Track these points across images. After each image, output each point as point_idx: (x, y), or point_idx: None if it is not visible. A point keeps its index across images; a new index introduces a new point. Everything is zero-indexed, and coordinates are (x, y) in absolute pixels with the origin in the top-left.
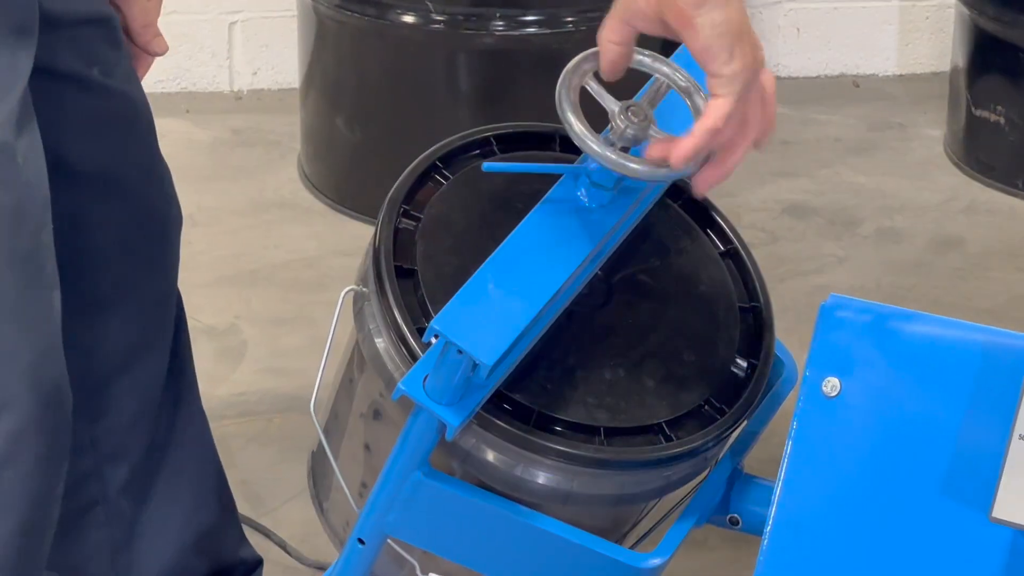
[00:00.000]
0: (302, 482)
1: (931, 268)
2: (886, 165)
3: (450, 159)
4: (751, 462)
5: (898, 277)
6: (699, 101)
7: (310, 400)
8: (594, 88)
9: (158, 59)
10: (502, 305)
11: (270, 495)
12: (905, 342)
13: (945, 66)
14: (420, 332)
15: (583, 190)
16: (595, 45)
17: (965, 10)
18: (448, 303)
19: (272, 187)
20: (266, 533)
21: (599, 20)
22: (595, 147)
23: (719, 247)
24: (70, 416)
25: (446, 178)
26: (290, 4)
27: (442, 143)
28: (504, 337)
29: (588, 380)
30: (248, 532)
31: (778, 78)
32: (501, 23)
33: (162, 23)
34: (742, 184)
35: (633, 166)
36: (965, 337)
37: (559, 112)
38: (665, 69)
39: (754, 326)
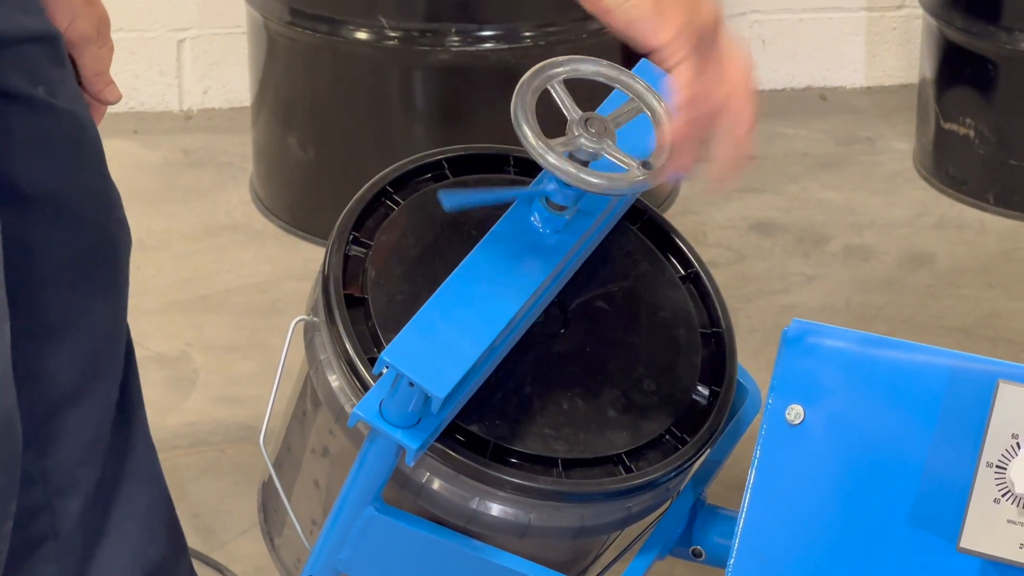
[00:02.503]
0: (255, 515)
1: (902, 286)
2: (855, 180)
3: (401, 183)
4: (716, 488)
5: (868, 296)
6: (656, 107)
7: (262, 430)
8: (559, 92)
9: None
10: (454, 336)
11: (222, 528)
12: (870, 368)
13: (914, 78)
14: (372, 363)
15: (536, 214)
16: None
17: (933, 21)
18: (399, 334)
19: (224, 209)
20: (219, 568)
21: (557, 35)
22: (551, 159)
23: (679, 271)
24: (19, 449)
25: (396, 203)
26: (240, 20)
27: (392, 168)
28: (456, 369)
29: (545, 410)
30: (199, 567)
31: None
32: (457, 39)
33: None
34: (707, 201)
35: (592, 179)
36: (931, 362)
37: (514, 123)
38: (624, 79)
39: (716, 352)
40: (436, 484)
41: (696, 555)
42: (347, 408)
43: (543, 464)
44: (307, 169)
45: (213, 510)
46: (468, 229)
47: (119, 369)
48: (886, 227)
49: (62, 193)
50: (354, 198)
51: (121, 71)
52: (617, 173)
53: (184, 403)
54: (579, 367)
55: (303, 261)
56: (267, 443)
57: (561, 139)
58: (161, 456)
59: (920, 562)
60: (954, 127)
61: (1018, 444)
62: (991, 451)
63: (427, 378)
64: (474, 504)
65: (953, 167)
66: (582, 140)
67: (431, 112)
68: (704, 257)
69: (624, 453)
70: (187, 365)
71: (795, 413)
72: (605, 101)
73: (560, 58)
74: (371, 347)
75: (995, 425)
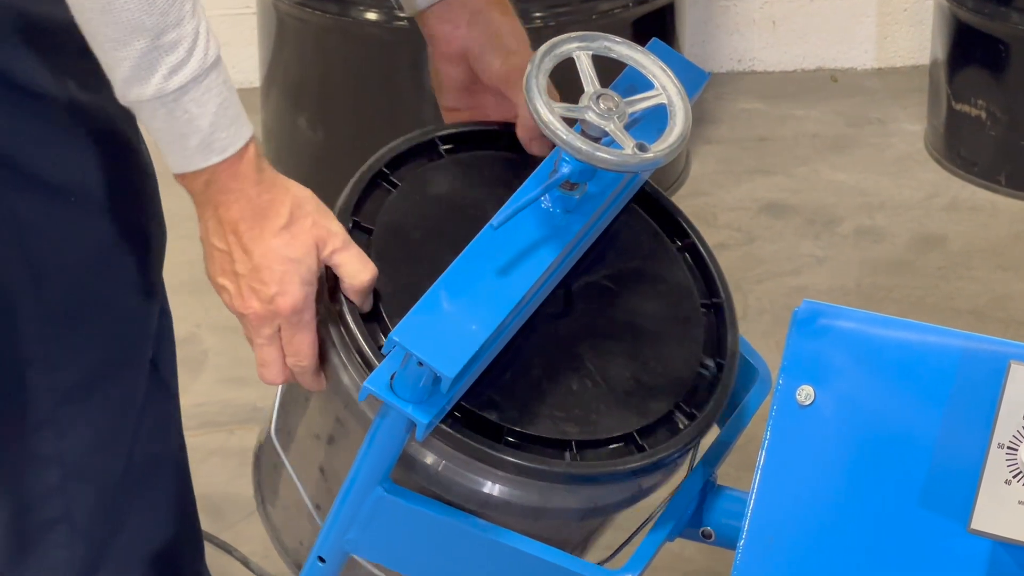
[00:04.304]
0: None
1: (912, 268)
2: (865, 162)
3: (396, 164)
4: (726, 469)
5: (878, 277)
6: (676, 105)
7: (271, 412)
8: (583, 65)
9: None
10: (464, 315)
11: (231, 509)
12: (880, 349)
13: (925, 59)
14: (380, 349)
15: (546, 195)
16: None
17: (944, 2)
18: (408, 313)
19: None
20: (227, 549)
21: (567, 15)
22: (563, 135)
23: (676, 243)
24: None
25: (394, 184)
26: (249, 1)
27: (386, 148)
28: (466, 349)
29: (555, 392)
30: (208, 548)
31: (753, 73)
32: None
33: None
34: (717, 183)
35: (602, 155)
36: (942, 343)
37: (527, 98)
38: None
39: (717, 323)
40: (448, 470)
41: (706, 536)
42: (354, 394)
43: (555, 447)
44: (317, 149)
45: (221, 491)
46: (468, 209)
47: (145, 359)
48: (897, 209)
49: (89, 186)
50: (351, 182)
51: None
52: (617, 150)
53: (193, 384)
54: (584, 347)
55: None
56: (264, 422)
57: (568, 105)
58: None
59: (931, 543)
60: (965, 108)
61: None
62: (1002, 432)
63: (436, 358)
64: (487, 489)
65: (964, 148)
66: (590, 114)
67: None
68: (714, 239)
69: (635, 432)
70: (196, 346)
71: (805, 394)
72: (616, 80)
73: (586, 34)
74: (379, 335)
75: (1006, 406)
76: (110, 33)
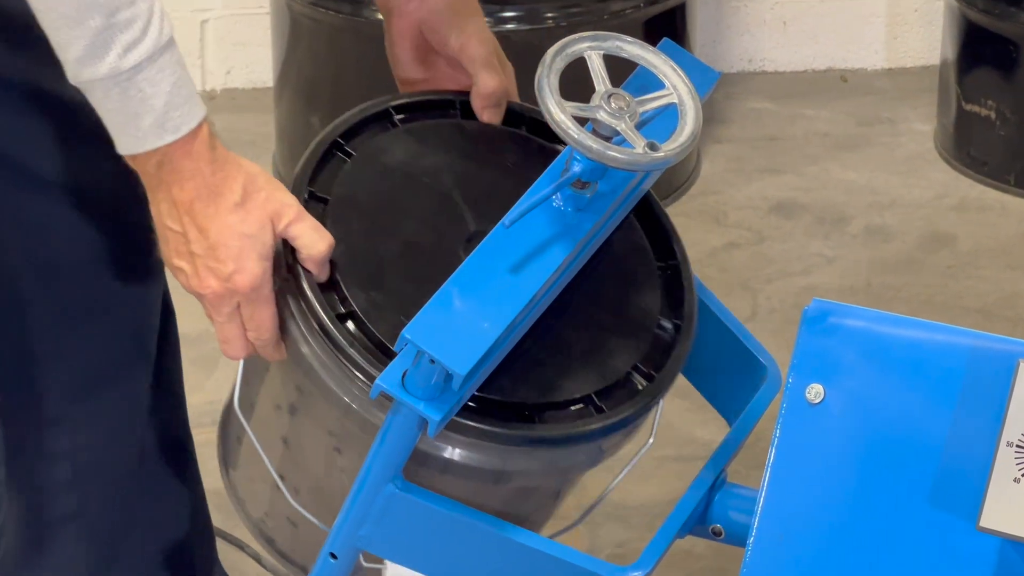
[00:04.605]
0: None
1: (922, 267)
2: (875, 161)
3: (351, 135)
4: (736, 467)
5: (888, 276)
6: (687, 104)
7: (234, 384)
8: (595, 64)
9: None
10: (476, 313)
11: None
12: (890, 347)
13: (935, 60)
14: (340, 319)
15: (557, 194)
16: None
17: (954, 2)
18: (421, 310)
19: None
20: (239, 545)
21: (579, 15)
22: (574, 134)
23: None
24: None
25: (349, 154)
26: (263, 1)
27: (340, 119)
28: (477, 346)
29: (513, 356)
30: (220, 544)
31: (764, 73)
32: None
33: None
34: (728, 181)
35: (613, 154)
36: (951, 341)
37: (539, 96)
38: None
39: (674, 284)
40: (364, 409)
41: (716, 534)
42: (314, 364)
43: (516, 410)
44: None
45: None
46: (423, 178)
47: (150, 356)
48: (906, 208)
49: (83, 182)
50: (306, 153)
51: None
52: (628, 149)
53: (206, 382)
54: (543, 312)
55: None
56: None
57: (580, 104)
58: None
59: (940, 541)
60: (975, 108)
61: None
62: (1011, 430)
63: (448, 355)
64: (447, 453)
65: (974, 148)
66: (601, 114)
67: None
68: (724, 238)
69: (593, 394)
70: (209, 344)
71: (815, 392)
72: (629, 79)
73: (598, 33)
74: (337, 304)
75: (1015, 404)
76: (64, 11)
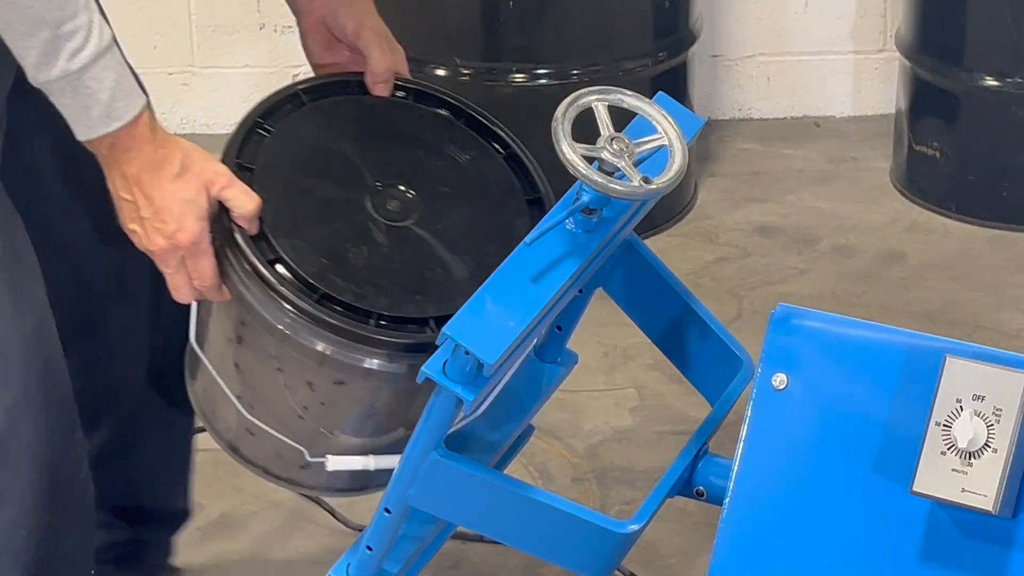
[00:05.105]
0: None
1: (878, 278)
2: (841, 192)
3: (269, 115)
4: (716, 440)
5: (850, 286)
6: (675, 146)
7: (190, 325)
8: (600, 113)
9: (230, 108)
10: (503, 314)
11: None
12: (842, 344)
13: (891, 109)
14: (271, 263)
15: (570, 219)
16: None
17: (907, 62)
18: (458, 311)
19: None
20: (317, 500)
21: (599, 72)
22: (581, 169)
23: (501, 152)
24: (66, 388)
25: (268, 130)
26: None
27: (259, 103)
28: (504, 341)
29: (414, 281)
30: (300, 499)
31: (751, 119)
32: (518, 76)
33: (237, 75)
34: (720, 208)
35: (614, 186)
36: (892, 340)
37: (554, 139)
38: (657, 116)
39: (540, 213)
40: (336, 353)
41: (699, 495)
42: (254, 303)
43: (419, 323)
44: None
45: None
46: (330, 145)
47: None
48: (866, 230)
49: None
50: (232, 132)
51: (245, 102)
52: (627, 182)
53: None
54: (433, 242)
55: None
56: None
57: (588, 146)
58: None
59: (880, 502)
60: (924, 149)
61: (961, 407)
62: (939, 413)
63: (480, 348)
64: (366, 364)
65: (922, 182)
66: (605, 153)
67: None
68: (717, 253)
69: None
70: None
71: (780, 380)
72: (630, 124)
73: (604, 88)
74: (266, 251)
75: (943, 391)
76: (18, 27)
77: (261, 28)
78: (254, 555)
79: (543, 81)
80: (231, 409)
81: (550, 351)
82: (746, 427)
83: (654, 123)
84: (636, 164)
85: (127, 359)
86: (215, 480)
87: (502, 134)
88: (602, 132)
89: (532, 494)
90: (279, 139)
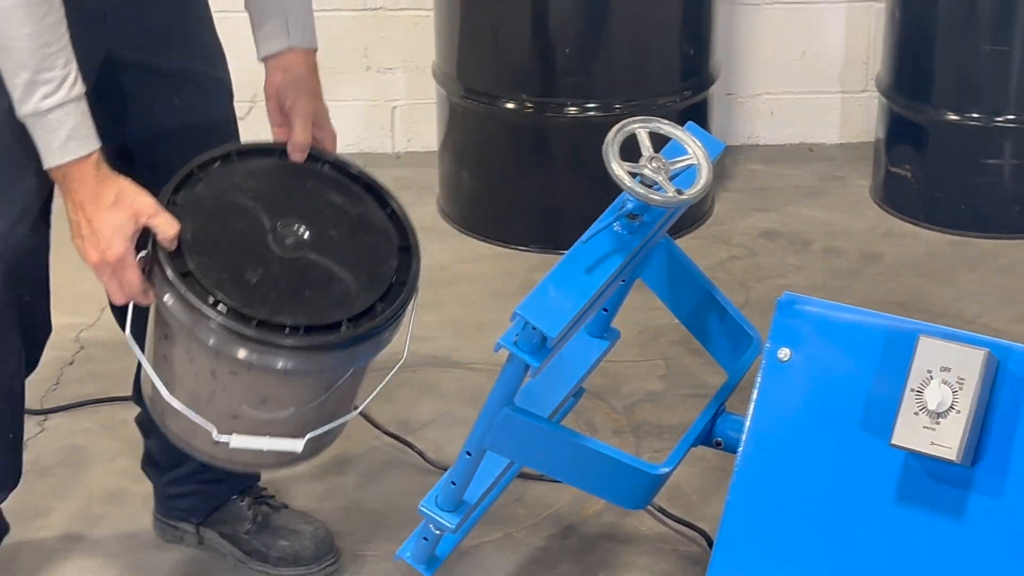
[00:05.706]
0: (439, 410)
1: (860, 274)
2: (830, 205)
3: (205, 167)
4: (731, 401)
5: (838, 280)
6: (703, 165)
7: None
8: (642, 137)
9: (343, 133)
10: (563, 298)
11: (414, 420)
12: (835, 325)
13: (871, 137)
14: (183, 275)
15: (617, 222)
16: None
17: (884, 100)
18: (528, 295)
19: (419, 217)
20: (409, 444)
21: (637, 106)
22: (627, 182)
23: (384, 210)
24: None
25: (200, 179)
26: (432, 95)
27: (199, 157)
28: (563, 318)
29: (294, 296)
30: (397, 444)
31: (757, 145)
32: (572, 108)
33: (347, 107)
34: (732, 216)
35: (653, 196)
36: (875, 322)
37: (605, 159)
38: (685, 139)
39: (407, 256)
40: (258, 359)
41: (717, 445)
42: (170, 305)
43: (329, 328)
44: (473, 192)
45: (409, 408)
46: (247, 192)
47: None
48: (851, 235)
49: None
50: (175, 175)
51: (355, 127)
52: (663, 194)
53: None
54: (328, 267)
55: (470, 250)
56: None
57: (633, 164)
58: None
59: (865, 453)
60: (898, 170)
61: (931, 376)
62: (914, 381)
63: (545, 324)
64: (280, 364)
65: (896, 197)
66: (646, 170)
67: (553, 157)
68: (729, 253)
69: (347, 319)
70: None
71: (784, 354)
72: (666, 147)
73: (646, 117)
74: (184, 265)
75: (916, 364)
76: (7, 67)
77: (367, 69)
78: (360, 487)
79: (592, 113)
80: (159, 393)
81: (598, 328)
82: (756, 391)
83: (685, 146)
84: (671, 179)
85: None
86: None
87: (389, 200)
88: (643, 153)
89: (583, 441)
90: (208, 184)
